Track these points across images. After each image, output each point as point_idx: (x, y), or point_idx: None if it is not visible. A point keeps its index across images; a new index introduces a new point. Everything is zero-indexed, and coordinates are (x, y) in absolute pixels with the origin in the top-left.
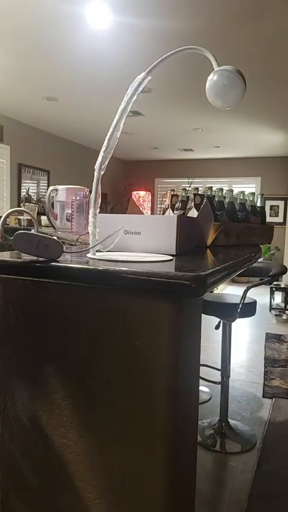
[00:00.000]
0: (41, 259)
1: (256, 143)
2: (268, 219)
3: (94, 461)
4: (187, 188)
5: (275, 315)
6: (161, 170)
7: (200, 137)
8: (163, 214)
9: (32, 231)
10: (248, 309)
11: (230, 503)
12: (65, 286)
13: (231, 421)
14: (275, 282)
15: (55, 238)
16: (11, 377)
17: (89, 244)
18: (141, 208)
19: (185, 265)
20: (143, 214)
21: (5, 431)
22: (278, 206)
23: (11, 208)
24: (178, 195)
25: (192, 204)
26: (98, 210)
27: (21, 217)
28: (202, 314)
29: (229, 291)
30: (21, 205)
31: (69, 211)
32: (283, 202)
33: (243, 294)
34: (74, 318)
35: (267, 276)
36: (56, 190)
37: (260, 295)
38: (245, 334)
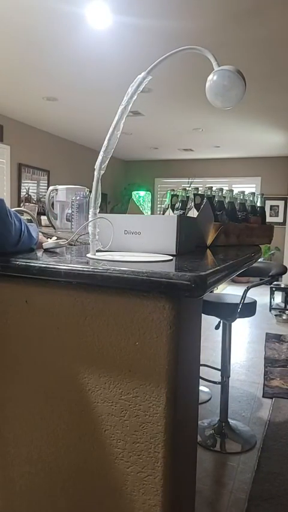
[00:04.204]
0: (42, 260)
1: (256, 143)
2: (268, 219)
3: (92, 461)
4: (187, 188)
5: (275, 315)
6: (161, 170)
7: (200, 137)
8: (163, 214)
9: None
10: (248, 309)
11: (230, 503)
12: (64, 286)
13: (231, 421)
14: (275, 282)
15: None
16: (13, 375)
17: (89, 244)
18: (141, 208)
19: (185, 265)
20: (143, 214)
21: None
22: (278, 206)
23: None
24: (178, 195)
25: (192, 204)
26: (98, 210)
27: (21, 217)
28: (202, 314)
29: (229, 291)
30: (21, 205)
31: (69, 211)
32: (283, 202)
33: (243, 294)
34: (73, 318)
35: (267, 276)
36: (56, 190)
37: (260, 295)
38: (245, 334)
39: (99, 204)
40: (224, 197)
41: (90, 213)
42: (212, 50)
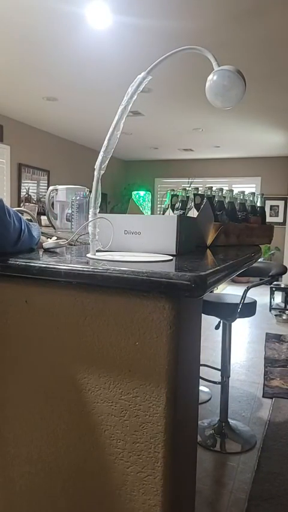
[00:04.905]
0: (43, 260)
1: (256, 143)
2: (268, 219)
3: (92, 461)
4: (187, 188)
5: (275, 315)
6: (161, 170)
7: (200, 137)
8: (163, 214)
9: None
10: (248, 309)
11: (230, 503)
12: (64, 286)
13: (231, 421)
14: (275, 282)
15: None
16: (13, 375)
17: (89, 244)
18: (141, 208)
19: (185, 265)
20: (143, 214)
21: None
22: (278, 206)
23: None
24: (178, 195)
25: (192, 204)
26: (98, 210)
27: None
28: (202, 314)
29: (229, 291)
30: (21, 205)
31: (69, 211)
32: (283, 202)
33: (243, 294)
34: (73, 318)
35: (267, 276)
36: (56, 190)
37: (260, 295)
38: (245, 334)
39: (99, 204)
40: (224, 197)
41: (90, 213)
42: (212, 50)
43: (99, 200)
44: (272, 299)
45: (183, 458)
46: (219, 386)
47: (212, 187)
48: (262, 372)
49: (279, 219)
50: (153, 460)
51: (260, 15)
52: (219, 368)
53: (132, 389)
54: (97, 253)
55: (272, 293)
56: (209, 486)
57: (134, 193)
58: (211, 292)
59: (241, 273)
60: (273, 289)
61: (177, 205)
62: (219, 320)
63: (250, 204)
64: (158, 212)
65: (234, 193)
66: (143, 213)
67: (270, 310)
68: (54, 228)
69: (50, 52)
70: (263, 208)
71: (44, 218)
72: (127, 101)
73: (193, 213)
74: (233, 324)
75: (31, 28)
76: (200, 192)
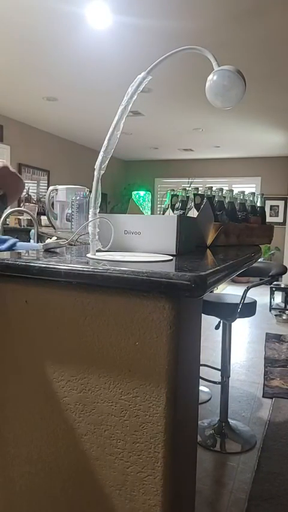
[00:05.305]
0: (42, 259)
1: (256, 143)
2: (268, 219)
3: (92, 461)
4: (187, 188)
5: (275, 315)
6: (161, 170)
7: (200, 137)
8: (163, 214)
9: (32, 231)
10: (248, 309)
11: (230, 503)
12: (64, 286)
13: (231, 421)
14: (275, 282)
15: None
16: (13, 375)
17: (89, 244)
18: (141, 208)
19: (185, 265)
20: (143, 214)
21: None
22: (278, 206)
23: (11, 208)
24: (178, 195)
25: (192, 204)
26: (98, 210)
27: (21, 217)
28: (202, 314)
29: (229, 291)
30: (21, 205)
31: (69, 211)
32: (283, 202)
33: (243, 294)
34: (73, 318)
35: (267, 276)
36: (56, 190)
37: (260, 295)
38: (245, 334)
39: (99, 204)
40: (224, 197)
41: (90, 213)
42: (212, 50)
43: (99, 200)
44: (272, 299)
45: (183, 458)
46: (219, 386)
47: (212, 187)
48: (262, 372)
49: (279, 219)
50: (153, 460)
51: (260, 15)
52: (219, 368)
53: (132, 389)
54: (97, 253)
55: (272, 293)
56: (209, 486)
57: (134, 193)
58: (211, 292)
59: (241, 273)
60: (273, 289)
61: (177, 205)
62: (219, 320)
63: (250, 204)
64: (158, 212)
65: (234, 193)
66: (143, 213)
67: (270, 310)
68: (54, 228)
69: (50, 52)
70: (263, 208)
71: (44, 218)
72: (127, 101)
73: (193, 213)
74: (233, 324)
75: (31, 28)
76: (200, 192)
